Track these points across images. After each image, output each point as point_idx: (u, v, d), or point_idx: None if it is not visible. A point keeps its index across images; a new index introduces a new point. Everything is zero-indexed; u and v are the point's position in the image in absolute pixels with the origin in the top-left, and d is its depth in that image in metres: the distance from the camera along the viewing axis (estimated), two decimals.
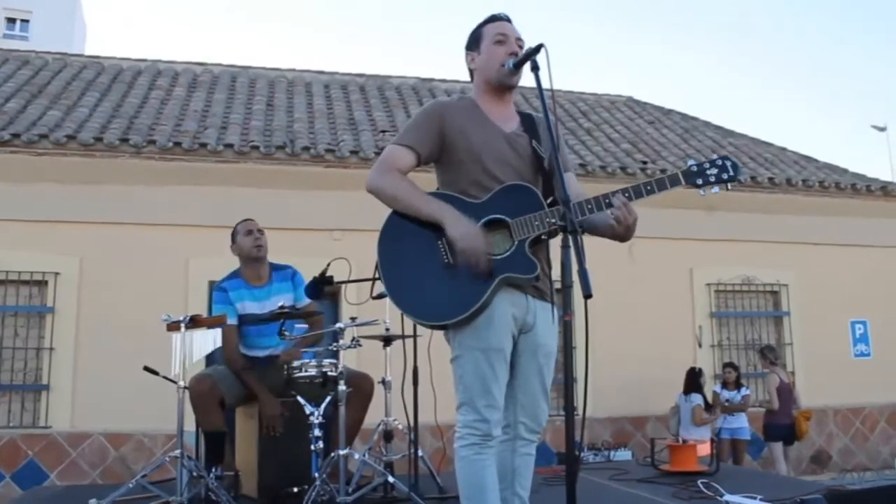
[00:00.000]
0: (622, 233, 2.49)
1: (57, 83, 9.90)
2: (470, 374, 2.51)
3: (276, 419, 4.12)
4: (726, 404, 8.35)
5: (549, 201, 2.57)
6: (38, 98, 9.24)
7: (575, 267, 2.15)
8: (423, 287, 2.50)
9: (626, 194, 2.47)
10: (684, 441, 5.55)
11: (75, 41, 27.75)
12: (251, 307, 4.34)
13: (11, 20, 27.86)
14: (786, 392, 8.36)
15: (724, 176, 2.54)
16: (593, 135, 10.85)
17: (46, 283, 7.94)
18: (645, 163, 9.85)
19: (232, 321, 4.27)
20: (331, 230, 8.17)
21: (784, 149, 11.69)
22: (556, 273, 2.27)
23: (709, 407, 8.28)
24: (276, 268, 4.52)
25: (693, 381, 8.34)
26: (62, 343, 7.83)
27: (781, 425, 8.30)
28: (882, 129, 20.17)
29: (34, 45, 17.74)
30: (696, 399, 8.19)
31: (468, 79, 2.83)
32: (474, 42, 2.74)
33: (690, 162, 2.59)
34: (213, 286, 7.75)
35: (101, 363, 7.58)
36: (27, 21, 27.80)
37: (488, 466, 2.51)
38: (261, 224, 4.62)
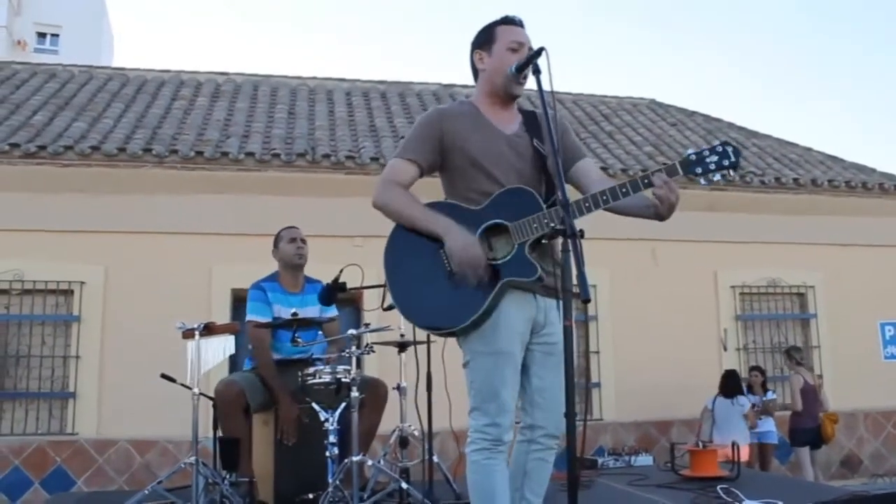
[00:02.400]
0: (665, 212, 2.50)
1: (82, 95, 10.05)
2: (480, 378, 2.53)
3: (293, 423, 4.14)
4: (756, 408, 8.21)
5: (552, 199, 2.56)
6: (64, 110, 9.39)
7: (574, 271, 2.13)
8: (428, 295, 2.53)
9: (623, 189, 2.46)
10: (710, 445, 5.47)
11: (103, 53, 28.23)
12: (284, 312, 4.39)
13: (42, 35, 28.41)
14: (811, 394, 8.21)
15: (725, 162, 2.50)
16: (615, 138, 10.78)
17: (72, 292, 8.06)
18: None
19: (264, 319, 4.34)
20: (352, 237, 8.18)
21: (809, 149, 11.52)
22: None
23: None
24: (309, 280, 4.64)
25: (735, 383, 8.12)
26: (88, 351, 7.93)
27: (807, 429, 8.14)
28: None
29: (64, 59, 18.08)
30: (745, 401, 7.98)
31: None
32: (486, 41, 2.70)
33: (689, 151, 2.56)
34: (235, 293, 8.00)
35: (127, 371, 7.65)
36: (57, 35, 28.33)
37: (499, 472, 2.50)
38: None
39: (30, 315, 8.02)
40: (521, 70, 2.59)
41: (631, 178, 2.49)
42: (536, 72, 2.44)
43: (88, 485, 7.60)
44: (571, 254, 2.15)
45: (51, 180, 7.98)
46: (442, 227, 2.51)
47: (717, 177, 2.51)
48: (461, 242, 2.46)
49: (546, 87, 2.41)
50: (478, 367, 2.53)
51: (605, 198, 2.46)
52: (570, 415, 2.12)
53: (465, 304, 2.47)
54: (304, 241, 4.61)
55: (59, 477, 7.58)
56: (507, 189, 2.58)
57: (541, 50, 2.44)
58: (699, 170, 2.51)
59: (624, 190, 2.46)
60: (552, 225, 2.43)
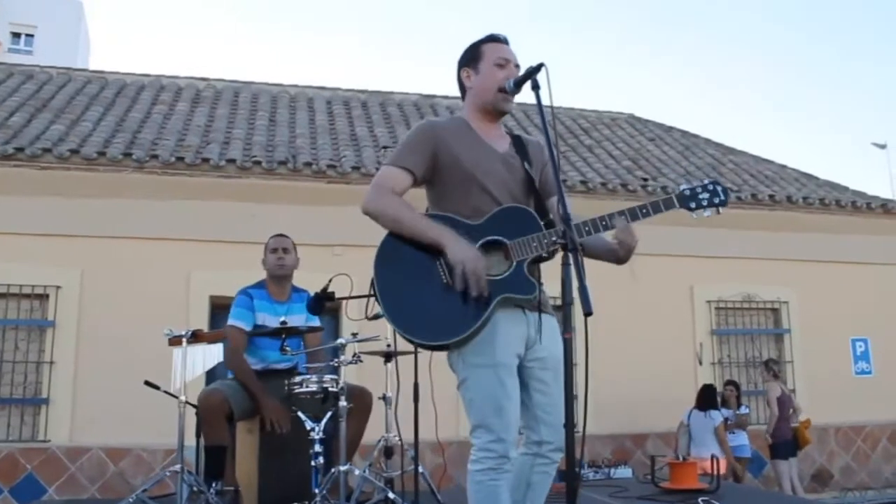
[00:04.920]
0: (623, 255, 2.51)
1: (61, 97, 9.95)
2: (481, 393, 2.47)
3: (280, 414, 4.09)
4: (728, 422, 8.31)
5: (543, 223, 2.58)
6: (42, 112, 9.28)
7: (575, 284, 2.15)
8: (423, 308, 2.47)
9: (623, 216, 2.48)
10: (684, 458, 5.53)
11: (80, 56, 27.87)
12: (270, 320, 4.37)
13: (16, 34, 28.01)
14: (787, 404, 8.38)
15: (716, 200, 2.57)
16: (594, 152, 10.88)
17: (47, 296, 7.95)
18: (646, 180, 9.88)
19: (244, 326, 4.31)
20: (332, 245, 8.16)
21: (784, 166, 11.72)
22: (555, 290, 2.26)
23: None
24: (296, 289, 4.61)
25: (711, 397, 8.23)
26: (62, 357, 7.81)
27: (786, 440, 8.29)
28: (882, 147, 20.32)
29: (39, 60, 17.85)
30: (718, 416, 8.08)
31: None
32: (472, 59, 2.72)
33: (683, 186, 2.61)
34: (213, 300, 7.94)
35: (101, 377, 7.56)
36: (32, 35, 27.95)
37: (504, 493, 2.46)
38: (263, 239, 4.68)
39: (3, 320, 7.89)
40: (519, 85, 2.59)
41: (594, 218, 2.49)
42: (535, 87, 2.45)
43: (60, 493, 7.48)
44: (573, 267, 2.17)
45: (28, 183, 7.88)
46: (445, 237, 2.47)
47: (707, 213, 2.56)
48: (463, 254, 2.42)
49: (545, 102, 2.43)
50: (477, 382, 2.48)
51: (587, 229, 2.46)
52: (569, 425, 2.13)
53: (460, 318, 2.43)
54: (286, 250, 4.54)
55: (30, 484, 7.45)
56: (506, 207, 2.58)
57: (540, 66, 2.46)
58: (692, 204, 2.56)
59: (587, 229, 2.47)
60: (554, 241, 2.44)
